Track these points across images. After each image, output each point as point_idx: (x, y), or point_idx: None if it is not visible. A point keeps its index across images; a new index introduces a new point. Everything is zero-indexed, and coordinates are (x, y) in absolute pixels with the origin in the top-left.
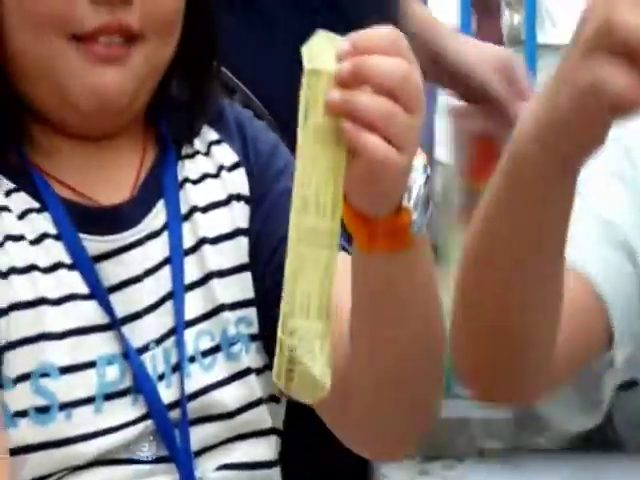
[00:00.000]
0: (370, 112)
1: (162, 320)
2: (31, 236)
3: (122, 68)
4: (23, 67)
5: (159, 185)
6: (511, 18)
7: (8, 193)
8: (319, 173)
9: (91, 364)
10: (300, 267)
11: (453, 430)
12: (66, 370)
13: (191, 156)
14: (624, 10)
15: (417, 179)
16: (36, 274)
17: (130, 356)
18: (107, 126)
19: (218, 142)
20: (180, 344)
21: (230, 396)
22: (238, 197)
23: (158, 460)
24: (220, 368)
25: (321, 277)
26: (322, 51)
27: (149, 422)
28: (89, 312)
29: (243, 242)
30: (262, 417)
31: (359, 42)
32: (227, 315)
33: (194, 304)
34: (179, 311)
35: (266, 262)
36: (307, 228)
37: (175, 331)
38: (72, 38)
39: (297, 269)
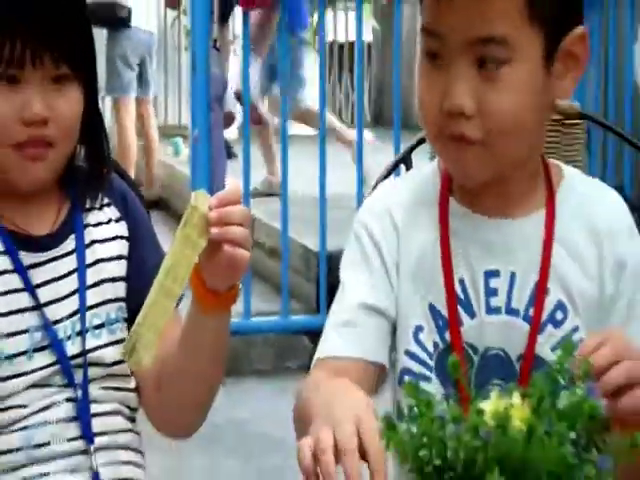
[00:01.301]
0: (238, 237)
1: (71, 305)
2: None
3: (43, 163)
4: None
5: (71, 225)
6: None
7: None
8: (180, 261)
9: (25, 331)
10: (155, 304)
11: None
12: (8, 335)
13: (90, 210)
14: None
15: None
16: None
17: (47, 325)
18: (36, 191)
19: (108, 205)
20: (83, 320)
21: (109, 354)
22: (122, 237)
23: (66, 386)
24: (104, 337)
25: (164, 317)
26: (202, 199)
27: (57, 366)
28: (22, 299)
29: (124, 263)
30: (126, 369)
31: (221, 200)
32: (111, 305)
33: (91, 297)
34: (82, 300)
35: (135, 281)
36: (165, 286)
37: (79, 312)
38: (12, 146)
39: (153, 304)
